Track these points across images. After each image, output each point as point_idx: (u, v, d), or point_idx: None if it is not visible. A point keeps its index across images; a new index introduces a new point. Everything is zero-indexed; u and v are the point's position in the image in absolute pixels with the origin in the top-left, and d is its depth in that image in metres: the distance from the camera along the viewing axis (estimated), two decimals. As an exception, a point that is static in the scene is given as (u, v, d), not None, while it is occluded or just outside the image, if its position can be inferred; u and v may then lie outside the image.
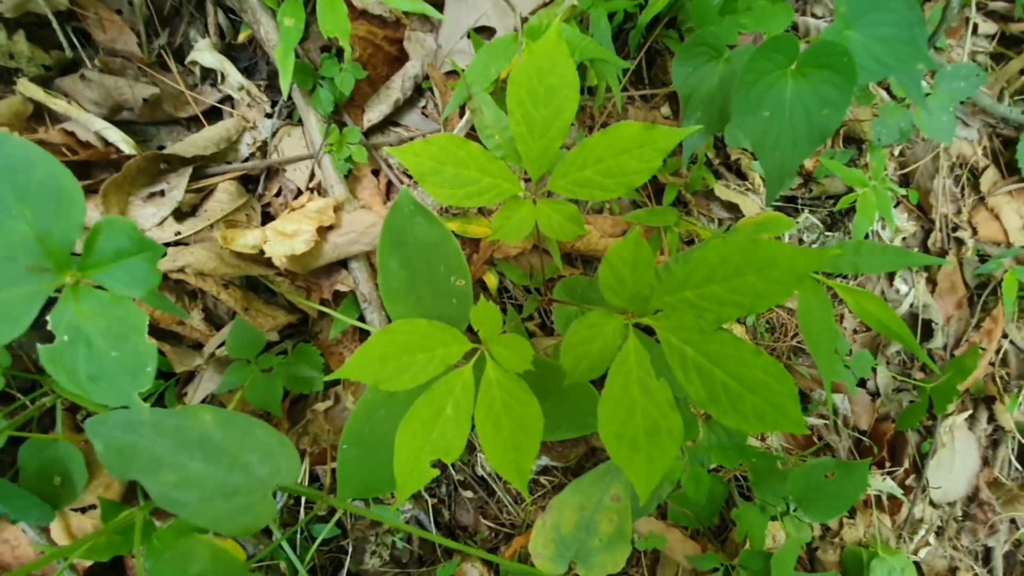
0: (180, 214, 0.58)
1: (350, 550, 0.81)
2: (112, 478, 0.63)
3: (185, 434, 0.44)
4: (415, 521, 0.87)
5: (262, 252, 0.54)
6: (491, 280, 0.69)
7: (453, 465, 0.88)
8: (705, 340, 0.41)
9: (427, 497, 0.88)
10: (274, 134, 0.65)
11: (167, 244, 0.57)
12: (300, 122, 0.66)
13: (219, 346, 0.58)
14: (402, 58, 0.70)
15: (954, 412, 1.06)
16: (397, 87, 0.68)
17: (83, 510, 0.62)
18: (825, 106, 0.46)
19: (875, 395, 1.05)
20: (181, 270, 0.54)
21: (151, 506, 0.48)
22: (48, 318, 0.35)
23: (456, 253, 0.48)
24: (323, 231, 0.56)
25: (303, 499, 0.75)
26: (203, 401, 0.60)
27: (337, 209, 0.58)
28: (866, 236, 1.00)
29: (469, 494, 0.91)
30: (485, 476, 0.92)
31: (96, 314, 0.35)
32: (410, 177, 0.68)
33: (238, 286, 0.60)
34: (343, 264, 0.63)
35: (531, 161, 0.46)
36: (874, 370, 1.05)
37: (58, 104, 0.56)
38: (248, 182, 0.65)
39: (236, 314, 0.62)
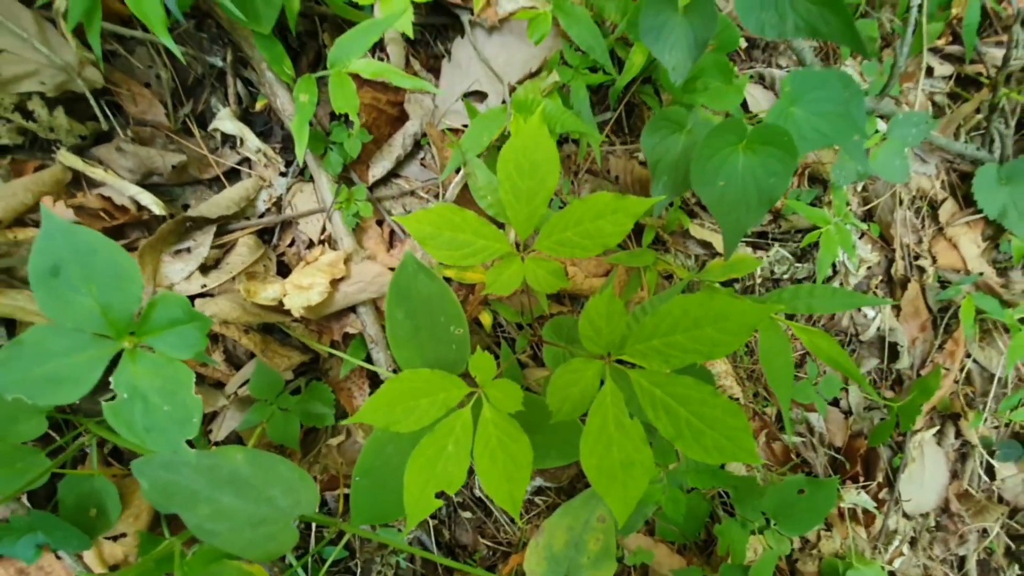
0: (205, 268, 0.65)
1: (358, 571, 0.86)
2: (141, 510, 0.68)
3: (218, 472, 0.50)
4: (417, 541, 0.93)
5: (281, 303, 0.60)
6: (486, 319, 0.76)
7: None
8: (671, 383, 0.47)
9: (429, 519, 0.94)
10: (288, 190, 0.72)
11: (194, 296, 0.63)
12: (311, 179, 0.72)
13: (240, 386, 0.64)
14: (402, 118, 0.77)
15: (923, 428, 1.12)
16: (399, 144, 0.75)
17: (115, 538, 0.68)
18: (771, 176, 0.53)
19: (848, 413, 1.12)
20: (207, 319, 0.60)
21: (185, 536, 0.54)
22: (111, 378, 0.41)
23: (454, 305, 0.54)
24: (335, 282, 0.63)
25: (314, 524, 0.80)
26: (227, 436, 0.66)
27: (346, 261, 0.65)
28: (833, 267, 1.07)
29: (468, 515, 0.97)
30: (483, 498, 0.97)
31: (151, 373, 0.41)
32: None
33: (256, 330, 0.67)
34: (352, 309, 0.70)
35: (519, 224, 0.53)
36: (846, 390, 1.12)
37: (95, 172, 0.63)
38: (264, 234, 0.72)
39: (254, 355, 0.68)
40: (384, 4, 0.60)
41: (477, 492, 0.97)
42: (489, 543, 0.97)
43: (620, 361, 0.50)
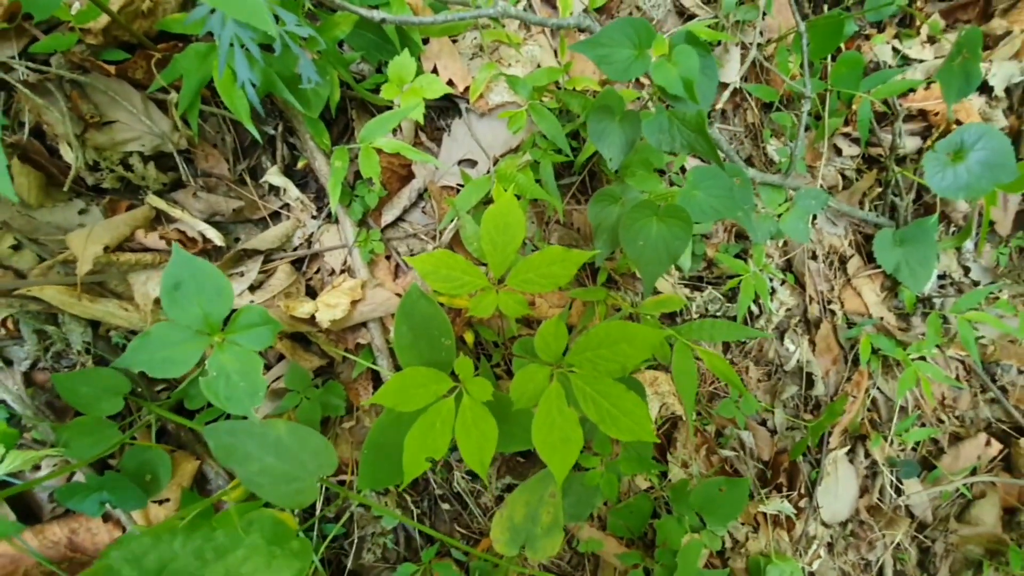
0: (253, 288, 0.84)
1: (353, 548, 1.02)
2: (183, 477, 0.85)
3: (266, 438, 0.68)
4: (402, 529, 1.09)
5: (312, 316, 0.79)
6: (469, 337, 0.95)
7: (433, 483, 1.11)
8: (598, 383, 0.67)
9: (412, 508, 1.10)
10: (318, 230, 0.92)
11: (244, 309, 0.82)
12: (337, 222, 0.93)
13: (273, 381, 0.82)
14: (410, 176, 0.98)
15: (836, 447, 1.32)
16: (406, 196, 0.96)
17: (160, 503, 0.84)
18: (676, 239, 0.74)
19: (773, 432, 1.32)
20: (254, 328, 0.79)
21: (218, 497, 0.71)
22: (207, 362, 0.59)
23: (445, 323, 0.74)
24: (353, 303, 0.82)
25: (318, 504, 0.96)
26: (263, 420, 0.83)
27: (362, 287, 0.85)
28: (759, 308, 1.29)
29: (447, 507, 1.14)
30: (460, 492, 1.14)
31: (233, 360, 0.59)
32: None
33: (288, 338, 0.85)
34: (363, 325, 0.89)
35: (495, 266, 0.73)
36: (772, 412, 1.32)
37: (174, 211, 0.82)
38: (297, 264, 0.91)
39: (283, 357, 0.86)
40: (403, 98, 0.81)
41: (456, 487, 1.14)
42: (464, 532, 1.13)
43: (563, 366, 0.70)
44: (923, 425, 1.36)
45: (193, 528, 0.43)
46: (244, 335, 0.60)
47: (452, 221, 0.89)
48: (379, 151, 0.82)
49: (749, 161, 1.28)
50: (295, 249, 0.90)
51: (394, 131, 0.94)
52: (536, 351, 0.69)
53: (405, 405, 0.67)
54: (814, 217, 1.30)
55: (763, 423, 1.31)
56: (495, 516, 0.85)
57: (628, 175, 0.79)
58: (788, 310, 1.29)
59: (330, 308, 0.79)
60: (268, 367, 0.86)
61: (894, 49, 1.41)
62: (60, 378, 0.71)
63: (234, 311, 0.61)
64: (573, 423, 0.67)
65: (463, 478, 1.12)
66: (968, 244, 1.39)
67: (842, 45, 1.27)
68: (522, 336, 0.96)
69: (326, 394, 0.84)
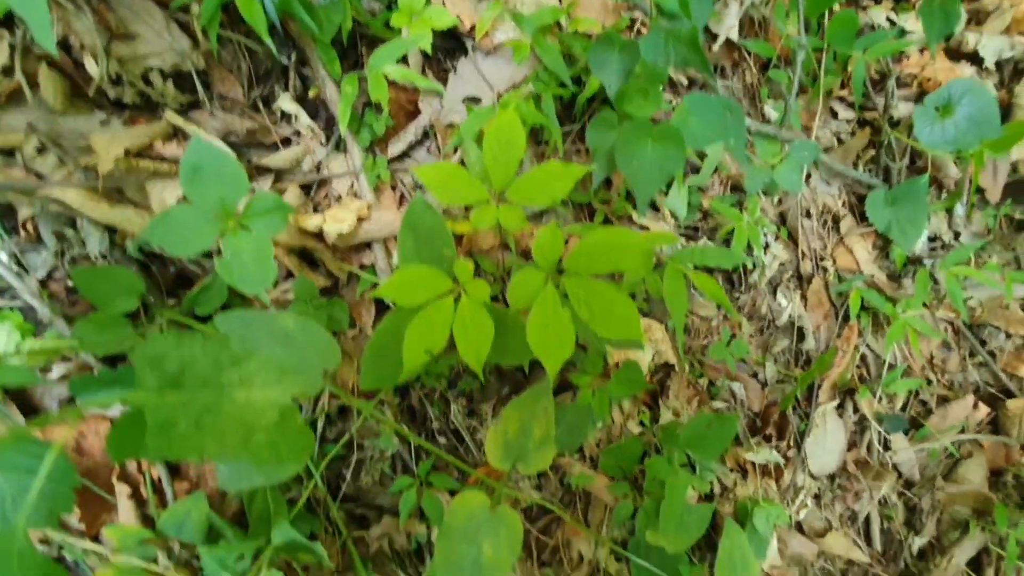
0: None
1: (350, 470, 1.05)
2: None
3: (275, 329, 0.71)
4: (399, 458, 1.13)
5: (320, 231, 0.83)
6: (469, 267, 0.99)
7: (430, 416, 1.15)
8: (590, 286, 0.71)
9: (410, 441, 1.14)
10: (326, 157, 0.96)
11: (255, 223, 0.85)
12: (344, 151, 0.96)
13: (282, 291, 0.86)
14: (416, 113, 1.02)
15: (825, 401, 1.35)
16: (412, 132, 1.00)
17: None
18: (669, 160, 0.78)
19: (764, 385, 1.35)
20: (264, 240, 0.83)
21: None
22: (221, 244, 0.63)
23: (447, 235, 0.78)
24: (360, 220, 0.86)
25: (319, 423, 1.00)
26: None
27: (369, 208, 0.88)
28: (753, 264, 1.32)
29: (443, 440, 1.17)
30: (457, 427, 1.18)
31: (247, 244, 0.63)
32: (416, 191, 0.98)
33: (296, 254, 0.89)
34: (368, 247, 0.93)
35: (497, 180, 0.77)
36: (763, 365, 1.35)
37: (191, 128, 0.86)
38: (305, 189, 0.95)
39: (290, 274, 0.90)
40: (412, 28, 0.85)
41: (452, 422, 1.17)
42: (459, 465, 1.17)
43: (559, 272, 0.73)
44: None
45: (211, 338, 0.46)
46: (258, 221, 0.64)
47: (456, 149, 0.93)
48: (387, 79, 0.86)
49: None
50: (306, 174, 0.94)
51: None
52: (534, 254, 0.73)
53: (406, 299, 0.70)
54: (808, 176, 1.33)
55: (754, 375, 1.34)
56: (490, 431, 0.89)
57: (626, 102, 0.82)
58: (781, 265, 1.32)
59: (337, 222, 0.83)
60: (274, 284, 0.90)
61: (889, 20, 1.44)
62: (79, 272, 0.75)
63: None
64: (567, 323, 0.70)
65: (460, 412, 1.16)
66: (959, 209, 1.42)
67: (837, 6, 1.30)
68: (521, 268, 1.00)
69: (331, 308, 0.87)
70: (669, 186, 1.20)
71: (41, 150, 0.76)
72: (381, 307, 0.97)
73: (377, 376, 0.77)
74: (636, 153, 0.77)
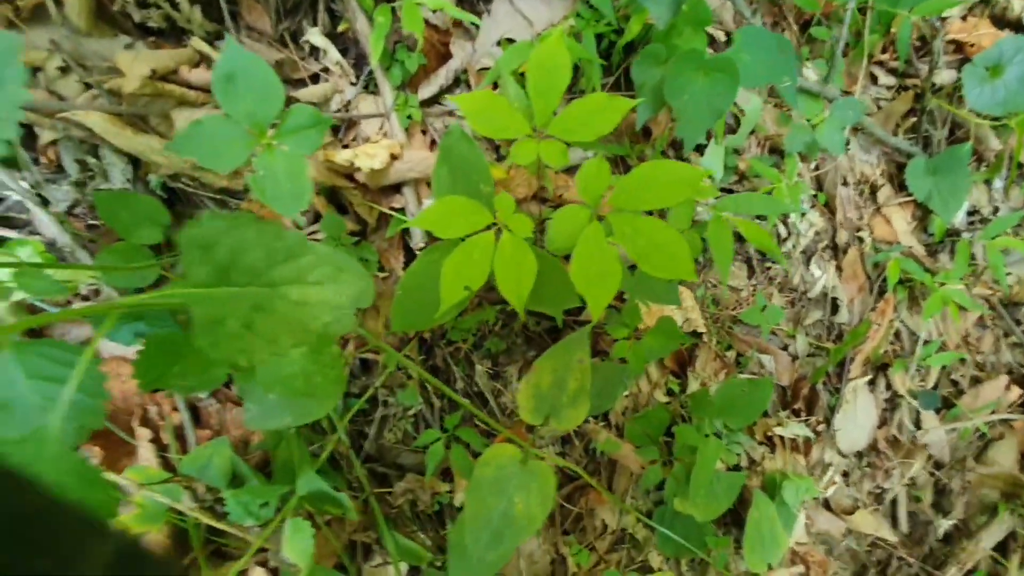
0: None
1: (374, 426, 1.02)
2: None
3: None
4: (422, 417, 1.09)
5: (351, 166, 0.79)
6: (511, 201, 0.95)
7: (454, 377, 1.11)
8: (637, 221, 0.67)
9: (435, 399, 1.10)
10: (355, 97, 0.92)
11: (282, 158, 0.82)
12: (373, 92, 0.92)
13: (309, 233, 0.83)
14: (448, 56, 0.97)
15: (857, 377, 1.31)
16: (443, 75, 0.96)
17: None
18: (720, 95, 0.74)
19: (795, 358, 1.31)
20: (291, 175, 0.79)
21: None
22: (253, 160, 0.59)
23: (484, 167, 0.74)
24: (392, 158, 0.82)
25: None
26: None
27: (401, 147, 0.84)
28: (788, 230, 1.28)
29: (466, 402, 1.14)
30: (481, 389, 1.14)
31: (281, 161, 0.60)
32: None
33: (324, 195, 0.85)
34: (399, 190, 0.89)
35: (539, 112, 0.73)
36: (794, 337, 1.31)
37: (216, 56, 0.82)
38: (334, 131, 0.91)
39: (317, 217, 0.87)
40: (450, -44, 0.81)
41: (476, 384, 1.14)
42: (481, 425, 1.13)
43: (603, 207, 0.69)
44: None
45: (266, 225, 0.41)
46: (292, 137, 0.60)
47: (494, 85, 0.89)
48: (420, 7, 0.81)
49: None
50: (335, 113, 0.90)
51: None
52: (577, 190, 0.69)
53: (445, 231, 0.66)
54: (847, 143, 1.28)
55: (784, 348, 1.30)
56: (522, 383, 0.85)
57: (675, 35, 0.78)
58: (817, 234, 1.28)
59: (369, 157, 0.79)
60: (299, 227, 0.87)
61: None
62: (101, 197, 0.71)
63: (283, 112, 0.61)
64: (612, 258, 0.66)
65: (484, 373, 1.12)
66: (998, 182, 1.37)
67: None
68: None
69: (360, 251, 0.84)
70: (705, 146, 1.16)
71: (64, 70, 0.73)
72: (410, 255, 0.93)
73: (409, 317, 0.73)
74: (686, 86, 0.73)
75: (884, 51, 1.35)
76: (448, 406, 1.13)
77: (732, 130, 1.17)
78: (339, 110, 0.91)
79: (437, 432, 0.92)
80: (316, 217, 0.88)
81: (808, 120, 1.12)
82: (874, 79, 1.35)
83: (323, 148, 0.83)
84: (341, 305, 0.37)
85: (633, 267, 0.82)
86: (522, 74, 0.88)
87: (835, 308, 1.30)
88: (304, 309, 0.38)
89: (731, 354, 1.29)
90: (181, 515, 0.72)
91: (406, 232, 0.91)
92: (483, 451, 1.05)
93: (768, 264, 1.30)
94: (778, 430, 1.26)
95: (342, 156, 0.79)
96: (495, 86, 0.90)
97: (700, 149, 1.17)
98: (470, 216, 0.68)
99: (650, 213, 0.70)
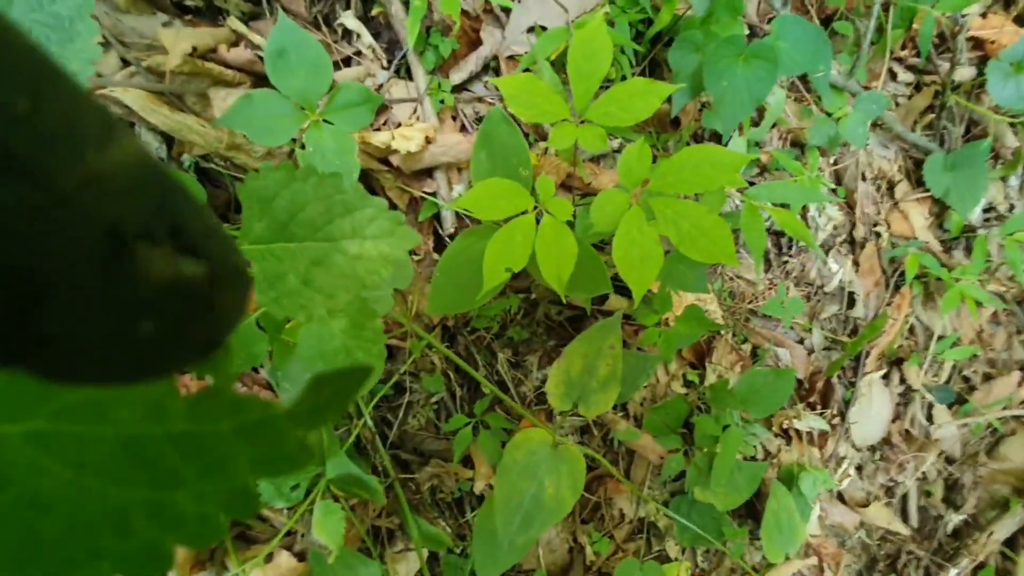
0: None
1: (400, 413, 1.02)
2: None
3: (346, 239, 0.68)
4: (443, 404, 1.10)
5: (387, 148, 0.79)
6: (552, 184, 0.95)
7: (476, 365, 1.11)
8: (679, 204, 0.67)
9: (456, 386, 1.11)
10: (387, 81, 0.92)
11: (317, 140, 0.82)
12: (404, 77, 0.92)
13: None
14: (478, 42, 0.97)
15: (872, 371, 1.32)
16: (473, 62, 0.96)
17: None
18: (760, 81, 0.74)
19: (811, 352, 1.32)
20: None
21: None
22: (304, 136, 0.59)
23: (524, 152, 0.74)
24: (427, 142, 0.82)
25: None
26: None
27: (435, 132, 0.85)
28: (806, 222, 1.29)
29: (494, 387, 1.14)
30: (502, 379, 1.15)
31: (330, 138, 0.60)
32: (477, 123, 0.95)
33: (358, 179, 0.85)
34: (431, 175, 0.89)
35: (579, 96, 0.73)
36: (810, 331, 1.32)
37: (253, 36, 0.82)
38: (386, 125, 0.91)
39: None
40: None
41: (498, 372, 1.14)
42: (502, 414, 1.14)
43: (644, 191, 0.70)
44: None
45: (324, 177, 0.41)
46: (341, 114, 0.60)
47: (524, 70, 0.89)
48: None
49: (804, 77, 1.27)
50: (365, 97, 0.89)
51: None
52: (619, 174, 0.69)
53: (486, 213, 0.67)
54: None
55: (800, 341, 1.31)
56: (552, 369, 0.86)
57: (712, 22, 0.78)
58: (835, 228, 1.28)
59: (406, 140, 0.79)
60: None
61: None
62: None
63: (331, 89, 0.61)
64: (653, 241, 0.67)
65: (506, 362, 1.13)
66: (1014, 180, 1.39)
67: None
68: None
69: (392, 234, 0.84)
70: (729, 137, 1.16)
71: (103, 46, 0.73)
72: (439, 240, 0.93)
73: (446, 300, 0.73)
74: (725, 72, 0.74)
75: (904, 47, 1.36)
76: (470, 395, 1.13)
77: (754, 123, 1.18)
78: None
79: (465, 418, 0.92)
80: (348, 200, 0.88)
81: (831, 113, 1.13)
82: (893, 75, 1.36)
83: (361, 133, 0.83)
84: (399, 259, 0.37)
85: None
86: (553, 62, 0.89)
87: (851, 302, 1.31)
88: (362, 263, 0.38)
89: (747, 347, 1.30)
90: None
91: (436, 217, 0.91)
92: (506, 439, 1.05)
93: (785, 258, 1.31)
94: (795, 423, 1.27)
95: (379, 139, 0.79)
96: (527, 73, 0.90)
97: (718, 139, 1.18)
98: (512, 198, 0.68)
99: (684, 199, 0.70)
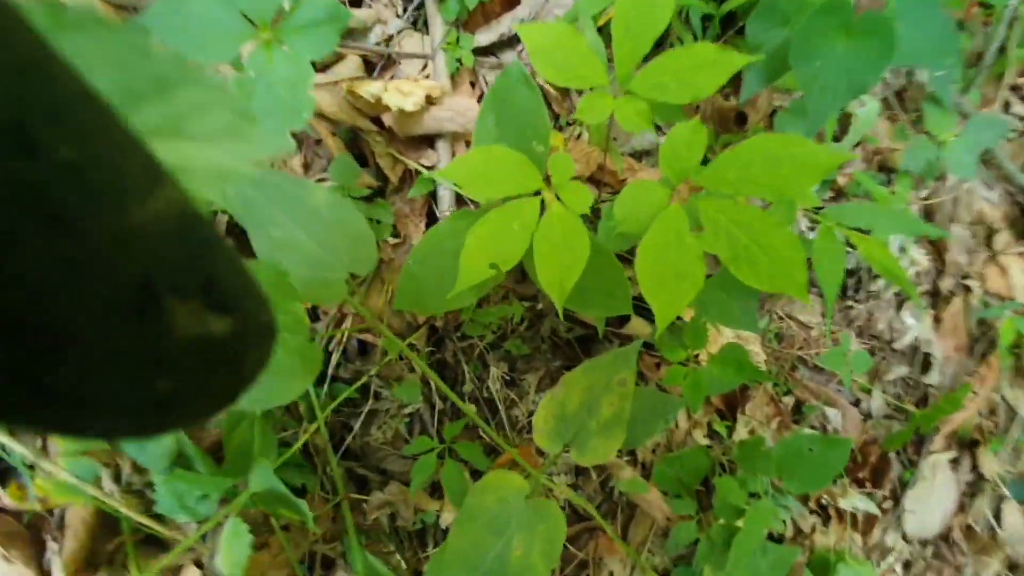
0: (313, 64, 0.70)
1: (360, 420, 0.87)
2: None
3: (300, 205, 0.53)
4: (418, 418, 0.94)
5: (377, 103, 0.65)
6: (570, 164, 0.79)
7: (464, 378, 0.95)
8: (737, 210, 0.50)
9: (437, 400, 0.95)
10: (399, 32, 0.77)
11: (299, 85, 0.68)
12: (419, 28, 0.78)
13: (318, 180, 0.68)
14: (514, 3, 0.82)
15: (940, 451, 1.10)
16: (506, 23, 0.80)
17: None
18: (865, 66, 0.56)
19: (867, 417, 1.10)
20: (306, 106, 0.65)
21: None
22: (245, 57, 0.45)
23: (544, 122, 0.58)
24: (429, 102, 0.67)
25: (334, 354, 0.82)
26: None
27: (442, 92, 0.69)
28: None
29: (472, 408, 0.98)
30: (493, 397, 0.98)
31: (282, 64, 0.45)
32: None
33: (342, 137, 0.71)
34: (431, 145, 0.74)
35: (622, 58, 0.56)
36: (869, 393, 1.11)
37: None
38: (369, 68, 0.77)
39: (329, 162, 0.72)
40: None
41: (488, 390, 0.98)
42: (483, 443, 0.97)
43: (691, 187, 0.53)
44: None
45: (123, 28, 0.28)
46: (300, 36, 0.45)
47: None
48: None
49: (900, 96, 1.07)
50: (372, 46, 0.75)
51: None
52: (661, 161, 0.52)
53: (479, 189, 0.51)
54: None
55: (856, 403, 1.10)
56: (544, 399, 0.69)
57: (808, -13, 0.60)
58: (917, 275, 1.07)
59: (402, 95, 0.64)
60: (307, 167, 0.72)
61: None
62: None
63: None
64: (694, 255, 0.49)
65: (499, 378, 0.96)
66: None
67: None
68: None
69: (374, 209, 0.69)
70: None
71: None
72: (433, 223, 0.78)
73: (418, 296, 0.58)
74: (821, 48, 0.56)
75: (1022, 75, 1.14)
76: (452, 409, 0.97)
77: (836, 137, 0.98)
78: (379, 43, 0.76)
79: (432, 441, 0.76)
80: (328, 161, 0.73)
81: (933, 135, 0.93)
82: (1006, 106, 1.14)
83: (349, 81, 0.69)
84: (244, 176, 0.21)
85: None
86: (600, 30, 0.72)
87: (926, 366, 1.09)
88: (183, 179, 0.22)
89: (789, 400, 1.10)
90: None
91: (433, 196, 0.75)
92: (484, 470, 0.89)
93: (849, 303, 1.10)
94: (837, 499, 1.06)
95: (369, 89, 0.64)
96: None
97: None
98: (515, 174, 0.52)
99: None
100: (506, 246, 0.51)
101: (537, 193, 0.53)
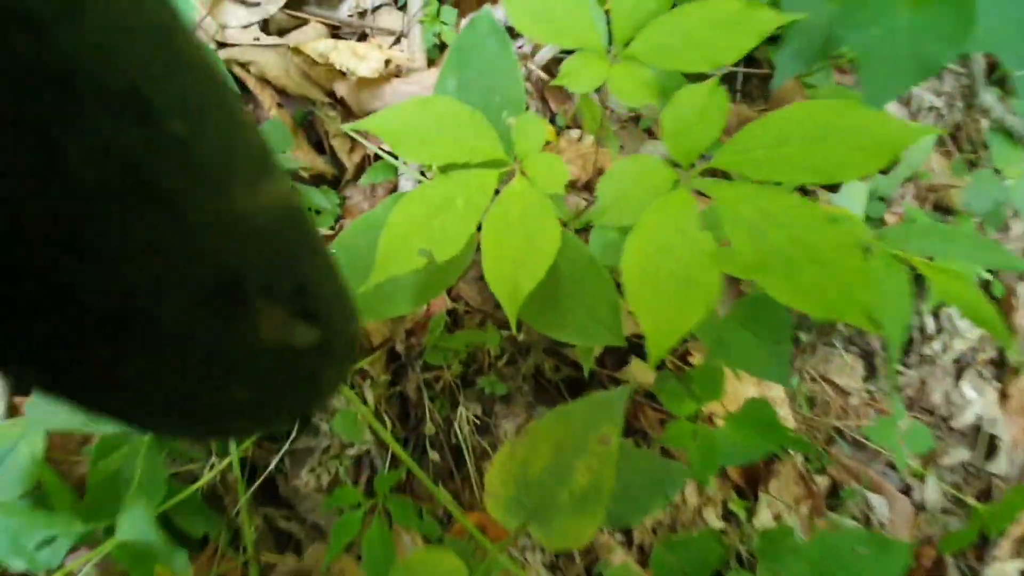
0: (267, 30, 0.60)
1: (281, 455, 0.71)
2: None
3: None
4: (368, 461, 0.78)
5: (325, 63, 0.54)
6: (548, 130, 0.66)
7: (426, 416, 0.80)
8: (764, 197, 0.35)
9: (387, 442, 0.79)
10: (376, 8, 0.68)
11: (244, 45, 0.58)
12: (402, 8, 0.68)
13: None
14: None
15: (1006, 558, 0.88)
16: (502, 8, 0.71)
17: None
18: (938, 39, 0.43)
19: (919, 508, 0.89)
20: (245, 67, 0.54)
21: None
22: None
23: (517, 85, 0.45)
24: (391, 72, 0.56)
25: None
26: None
27: (408, 62, 0.58)
28: (937, 326, 0.91)
29: (436, 458, 0.81)
30: (460, 444, 0.82)
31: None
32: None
33: (297, 122, 0.60)
34: (396, 127, 0.62)
35: (621, 15, 0.44)
36: (923, 479, 0.90)
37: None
38: (337, 39, 0.67)
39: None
40: None
41: (455, 436, 0.81)
42: (445, 500, 0.80)
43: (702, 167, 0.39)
44: None
45: None
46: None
47: None
48: None
49: (954, 137, 0.93)
50: (341, 16, 0.66)
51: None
52: (663, 135, 0.39)
53: (413, 152, 0.38)
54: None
55: (906, 491, 0.89)
56: (498, 455, 0.53)
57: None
58: (980, 338, 0.89)
59: (355, 57, 0.53)
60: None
61: None
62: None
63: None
64: (704, 257, 0.35)
65: (469, 420, 0.80)
66: None
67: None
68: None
69: (317, 194, 0.56)
70: (837, 185, 0.84)
71: None
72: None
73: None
74: (880, 19, 0.43)
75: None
76: (415, 455, 0.81)
77: (882, 171, 0.85)
78: (351, 15, 0.67)
79: (358, 495, 0.59)
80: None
81: (999, 171, 0.78)
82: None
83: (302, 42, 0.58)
84: None
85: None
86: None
87: (991, 450, 0.89)
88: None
89: (823, 481, 0.90)
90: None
91: (398, 185, 0.63)
92: (433, 538, 0.71)
93: (898, 367, 0.92)
94: (880, 614, 0.84)
95: (319, 47, 0.53)
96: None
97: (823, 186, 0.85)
98: (469, 137, 0.39)
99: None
100: (445, 227, 0.37)
101: (497, 163, 0.40)
